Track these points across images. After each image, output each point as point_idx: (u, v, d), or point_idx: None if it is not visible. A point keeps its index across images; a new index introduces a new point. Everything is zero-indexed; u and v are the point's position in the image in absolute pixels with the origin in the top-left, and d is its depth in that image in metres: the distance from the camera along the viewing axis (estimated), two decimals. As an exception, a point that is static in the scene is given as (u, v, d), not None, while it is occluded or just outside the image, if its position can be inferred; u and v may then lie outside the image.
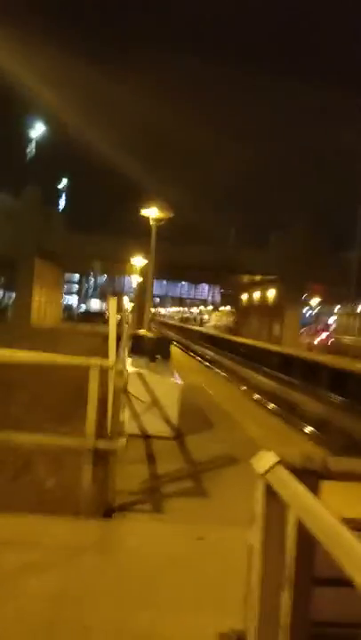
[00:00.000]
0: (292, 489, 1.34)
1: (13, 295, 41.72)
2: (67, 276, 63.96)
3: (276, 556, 1.53)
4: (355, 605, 1.44)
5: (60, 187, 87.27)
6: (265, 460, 1.50)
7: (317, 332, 39.20)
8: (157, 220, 10.10)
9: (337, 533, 1.10)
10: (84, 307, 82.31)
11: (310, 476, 1.56)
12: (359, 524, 1.96)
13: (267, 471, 1.46)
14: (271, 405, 15.90)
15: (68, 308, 69.00)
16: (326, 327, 40.88)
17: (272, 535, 1.51)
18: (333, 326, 37.42)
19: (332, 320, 42.66)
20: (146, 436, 6.74)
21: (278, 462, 1.46)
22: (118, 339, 8.42)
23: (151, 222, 10.15)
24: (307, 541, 1.43)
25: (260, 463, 1.50)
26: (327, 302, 47.23)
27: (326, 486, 1.74)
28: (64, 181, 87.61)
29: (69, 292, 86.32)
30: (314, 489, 1.54)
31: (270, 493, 1.45)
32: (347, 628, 1.69)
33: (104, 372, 4.88)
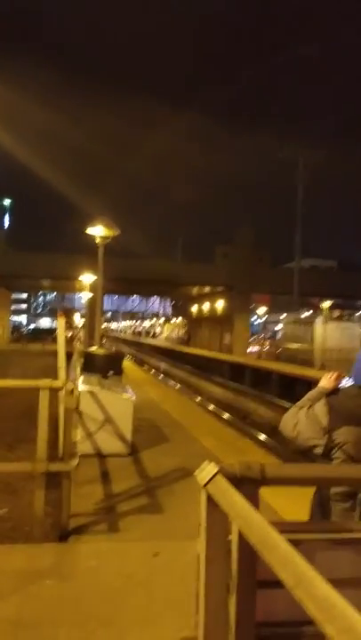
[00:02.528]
0: (230, 498, 1.42)
1: None
2: (15, 294, 62.47)
3: (220, 563, 1.61)
4: (297, 605, 1.55)
5: (3, 206, 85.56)
6: (206, 471, 1.58)
7: (266, 341, 40.13)
8: (104, 238, 10.13)
9: (269, 540, 1.19)
10: (33, 325, 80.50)
11: (250, 484, 1.65)
12: (300, 525, 2.09)
13: (207, 482, 1.54)
14: (225, 415, 16.11)
15: (17, 327, 67.27)
16: (274, 335, 41.92)
17: (215, 543, 1.59)
18: (280, 334, 38.42)
19: (279, 328, 43.78)
20: (100, 455, 6.71)
21: (218, 472, 1.55)
22: (70, 356, 8.35)
23: (97, 240, 10.16)
24: (248, 547, 1.52)
25: (202, 475, 1.58)
26: (273, 311, 48.51)
27: (271, 491, 1.84)
28: (7, 201, 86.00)
29: (18, 312, 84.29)
30: (254, 496, 1.64)
31: (212, 504, 1.54)
32: (292, 627, 1.79)
33: (55, 393, 4.85)
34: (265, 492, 1.75)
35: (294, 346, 29.19)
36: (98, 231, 10.08)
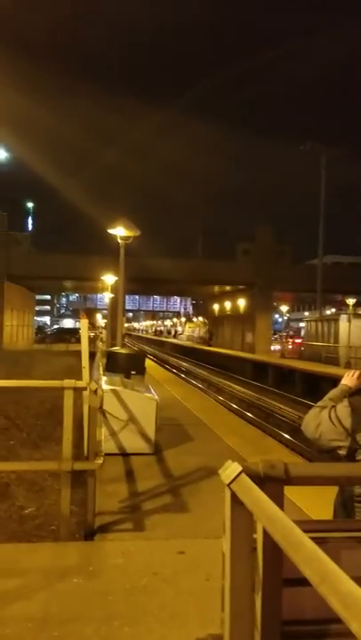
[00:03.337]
0: (254, 497, 1.43)
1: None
2: (38, 296, 63.33)
3: (245, 561, 1.62)
4: (323, 603, 1.55)
5: (27, 209, 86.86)
6: (230, 470, 1.59)
7: (289, 339, 39.79)
8: (125, 239, 10.21)
9: (293, 538, 1.20)
10: (56, 326, 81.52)
11: (274, 483, 1.66)
12: (325, 524, 2.08)
13: (232, 481, 1.55)
14: (248, 414, 16.05)
15: (41, 328, 68.17)
16: (297, 333, 41.53)
17: (240, 541, 1.60)
18: (304, 332, 38.05)
19: (302, 326, 43.35)
20: (124, 454, 6.77)
21: (242, 472, 1.56)
22: (93, 356, 8.44)
23: (119, 241, 10.25)
24: (273, 545, 1.53)
25: (226, 473, 1.59)
26: (295, 309, 48.04)
27: (295, 489, 1.84)
28: (30, 204, 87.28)
29: (42, 313, 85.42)
30: (278, 495, 1.65)
31: (236, 502, 1.55)
32: (318, 625, 1.79)
33: (79, 392, 4.92)
34: (289, 490, 1.75)
35: (318, 344, 28.89)
36: (119, 232, 10.16)
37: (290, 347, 36.59)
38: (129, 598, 3.26)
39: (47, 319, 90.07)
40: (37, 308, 67.08)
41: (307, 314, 48.50)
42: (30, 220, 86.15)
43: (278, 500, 1.59)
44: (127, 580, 3.50)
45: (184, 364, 35.65)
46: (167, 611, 3.13)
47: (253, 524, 1.62)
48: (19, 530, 4.60)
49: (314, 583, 1.15)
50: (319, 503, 3.97)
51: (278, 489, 1.67)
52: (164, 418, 8.36)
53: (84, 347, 5.40)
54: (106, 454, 6.19)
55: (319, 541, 1.31)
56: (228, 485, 1.57)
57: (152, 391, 7.88)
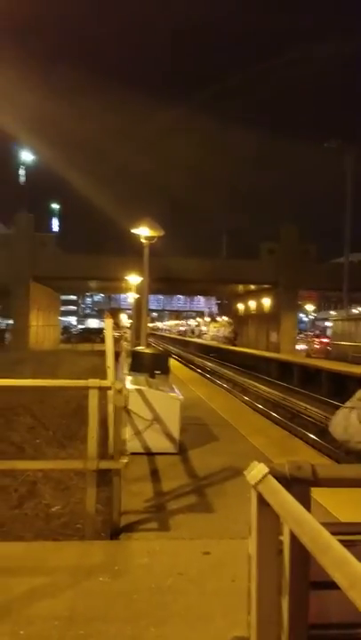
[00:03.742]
0: (282, 499, 1.41)
1: (10, 321, 41.78)
2: (64, 296, 64.12)
3: (272, 563, 1.59)
4: (351, 606, 1.51)
5: (52, 210, 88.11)
6: (256, 470, 1.57)
7: (315, 338, 39.31)
8: (149, 239, 10.24)
9: (322, 541, 1.17)
10: (81, 326, 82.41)
11: (301, 485, 1.63)
12: (354, 527, 2.03)
13: (258, 482, 1.53)
14: (273, 414, 15.92)
15: (67, 328, 69.00)
16: (323, 333, 40.98)
17: (267, 543, 1.57)
18: (330, 331, 37.53)
19: (328, 325, 42.77)
20: (149, 454, 6.78)
21: (268, 473, 1.53)
22: (117, 356, 8.51)
23: (143, 241, 10.28)
24: (301, 547, 1.50)
25: (252, 474, 1.57)
26: (321, 308, 47.42)
27: (324, 490, 1.80)
28: (55, 206, 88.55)
29: (67, 313, 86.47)
30: (305, 497, 1.61)
31: (263, 504, 1.52)
32: (346, 629, 1.75)
33: (104, 392, 4.95)
34: (316, 492, 1.72)
35: (345, 343, 28.46)
36: (143, 232, 10.19)
37: (316, 346, 36.14)
38: (154, 598, 3.26)
39: (73, 319, 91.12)
40: (63, 309, 67.88)
41: (333, 313, 47.81)
42: (56, 222, 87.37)
43: (305, 501, 1.56)
44: (152, 579, 3.50)
45: (209, 363, 35.59)
46: (193, 612, 3.12)
47: (280, 525, 1.60)
48: (45, 528, 4.65)
49: (343, 587, 1.12)
50: (347, 505, 3.90)
51: (305, 491, 1.64)
52: (188, 418, 8.35)
53: (109, 346, 5.43)
54: (130, 453, 6.22)
55: (348, 544, 1.27)
56: (255, 487, 1.54)
57: (176, 391, 7.87)
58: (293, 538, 1.49)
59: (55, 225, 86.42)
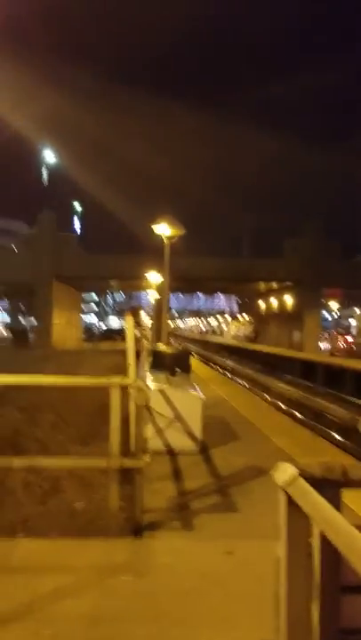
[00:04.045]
0: (312, 501, 1.36)
1: (32, 319, 42.31)
2: (85, 295, 64.63)
3: (302, 566, 1.54)
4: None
5: (75, 210, 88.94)
6: (284, 471, 1.52)
7: (339, 337, 38.79)
8: (170, 237, 10.21)
9: (356, 544, 1.12)
10: (103, 325, 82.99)
11: (331, 486, 1.57)
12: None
13: (287, 483, 1.48)
14: (296, 413, 15.75)
15: (88, 327, 69.56)
16: (347, 331, 40.42)
17: (297, 546, 1.52)
18: (355, 329, 36.97)
19: (353, 323, 42.17)
20: (171, 452, 6.75)
21: (298, 474, 1.48)
22: (138, 355, 8.50)
23: (163, 239, 10.26)
24: (332, 550, 1.45)
25: (280, 475, 1.52)
26: (345, 306, 46.75)
27: (353, 493, 1.74)
28: (78, 205, 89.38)
29: (88, 312, 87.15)
30: (336, 498, 1.56)
31: (292, 505, 1.47)
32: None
33: (126, 390, 4.93)
34: (344, 494, 1.66)
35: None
36: (163, 230, 10.17)
37: (340, 345, 35.66)
38: (178, 599, 3.23)
39: (94, 318, 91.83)
40: (84, 307, 68.43)
41: (358, 311, 47.15)
42: (77, 221, 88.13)
43: (336, 503, 1.51)
44: (176, 580, 3.47)
45: (230, 362, 35.44)
46: (217, 614, 3.08)
47: (310, 528, 1.54)
48: (69, 524, 4.65)
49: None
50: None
51: (336, 492, 1.58)
52: (210, 416, 8.29)
53: (130, 344, 5.41)
54: (152, 452, 6.20)
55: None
56: (284, 488, 1.49)
57: (198, 389, 7.83)
58: (324, 540, 1.44)
59: (78, 225, 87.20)
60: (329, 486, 1.56)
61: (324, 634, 1.55)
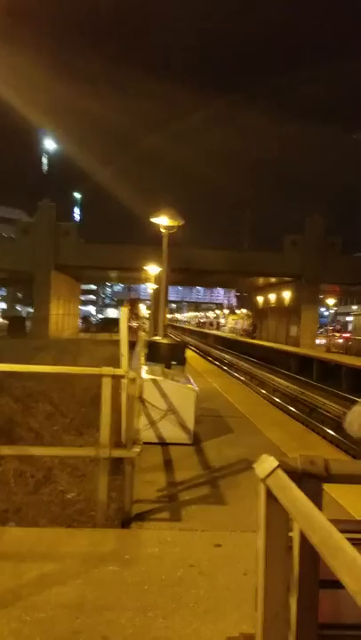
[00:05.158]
0: (291, 495, 1.35)
1: (30, 309, 42.23)
2: (84, 286, 64.52)
3: (281, 559, 1.54)
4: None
5: (75, 200, 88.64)
6: (266, 464, 1.51)
7: (335, 333, 38.84)
8: (168, 228, 10.16)
9: (332, 542, 1.11)
10: (100, 316, 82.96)
11: (312, 480, 1.56)
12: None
13: (267, 476, 1.47)
14: (290, 408, 15.79)
15: (86, 317, 69.53)
16: (344, 327, 40.46)
17: (275, 540, 1.51)
18: (352, 326, 37.01)
19: (349, 320, 42.21)
20: (163, 444, 6.76)
21: (278, 467, 1.47)
22: (133, 346, 8.47)
23: (162, 230, 10.21)
24: (311, 545, 1.44)
25: (262, 468, 1.51)
26: (343, 302, 46.75)
27: (340, 488, 1.73)
28: (78, 195, 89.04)
29: (87, 302, 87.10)
30: (317, 493, 1.55)
31: (271, 499, 1.47)
32: (357, 630, 1.69)
33: (118, 380, 4.92)
34: (332, 487, 1.65)
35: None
36: (162, 221, 10.12)
37: (336, 341, 35.71)
38: (164, 589, 3.24)
39: (92, 309, 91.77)
40: (82, 298, 68.32)
41: (355, 307, 47.15)
42: (78, 211, 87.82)
43: (317, 498, 1.50)
44: (163, 570, 3.47)
45: (227, 356, 35.47)
46: (203, 604, 3.09)
47: (289, 521, 1.54)
48: (60, 514, 4.66)
49: (352, 591, 1.06)
50: (362, 502, 3.82)
51: (317, 487, 1.57)
52: (204, 409, 8.31)
53: (123, 335, 5.40)
54: (145, 443, 6.20)
55: (359, 543, 1.21)
56: (263, 480, 1.48)
57: (192, 382, 7.83)
58: (303, 535, 1.43)
59: (77, 214, 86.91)
60: (311, 480, 1.55)
61: (302, 627, 1.55)
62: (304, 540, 1.44)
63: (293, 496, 1.32)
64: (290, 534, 1.57)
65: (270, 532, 1.49)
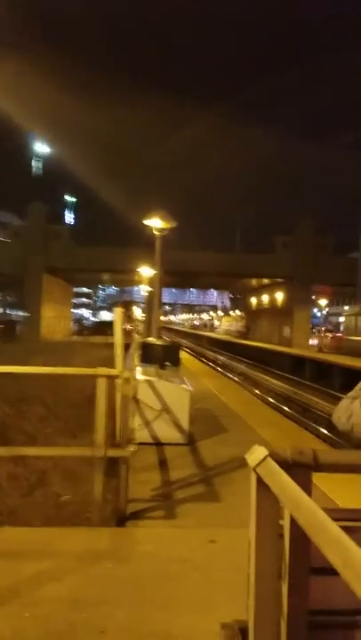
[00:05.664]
0: (280, 480, 1.40)
1: (20, 313, 42.07)
2: (77, 289, 64.44)
3: (271, 546, 1.59)
4: (353, 592, 1.50)
5: (68, 203, 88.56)
6: (257, 453, 1.56)
7: (327, 333, 39.07)
8: (161, 230, 10.20)
9: (317, 521, 1.16)
10: (94, 318, 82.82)
11: (302, 469, 1.62)
12: (355, 513, 2.02)
13: (258, 464, 1.52)
14: (285, 408, 15.88)
15: (79, 320, 69.39)
16: (336, 328, 40.69)
17: (266, 527, 1.56)
18: (343, 326, 37.25)
19: (341, 320, 42.46)
20: (158, 444, 6.80)
21: (268, 455, 1.52)
22: (127, 348, 8.51)
23: (155, 232, 10.25)
24: (301, 531, 1.49)
25: (253, 457, 1.56)
26: (335, 303, 47.02)
27: (328, 479, 1.79)
28: (70, 198, 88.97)
29: (80, 305, 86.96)
30: (306, 482, 1.60)
31: (262, 486, 1.52)
32: (348, 616, 1.74)
33: (113, 381, 4.96)
34: (320, 480, 1.71)
35: (358, 338, 28.24)
36: (155, 223, 10.16)
37: (328, 341, 35.91)
38: (159, 584, 3.28)
39: (86, 312, 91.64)
40: (75, 301, 68.27)
41: (346, 308, 47.39)
42: (71, 214, 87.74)
43: (306, 486, 1.55)
44: (158, 566, 3.51)
45: (221, 357, 35.56)
46: (197, 598, 3.13)
47: (280, 509, 1.59)
48: (55, 516, 4.69)
49: (337, 567, 1.11)
50: (351, 492, 3.88)
51: (306, 475, 1.63)
52: (198, 410, 8.36)
53: (117, 336, 5.44)
54: (140, 443, 6.24)
55: (349, 531, 1.26)
56: (254, 469, 1.54)
57: (186, 382, 7.88)
58: (293, 521, 1.48)
59: (70, 217, 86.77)
60: (300, 469, 1.60)
61: (293, 613, 1.60)
62: (294, 526, 1.50)
63: (282, 481, 1.37)
64: (281, 522, 1.63)
65: (261, 518, 1.54)
